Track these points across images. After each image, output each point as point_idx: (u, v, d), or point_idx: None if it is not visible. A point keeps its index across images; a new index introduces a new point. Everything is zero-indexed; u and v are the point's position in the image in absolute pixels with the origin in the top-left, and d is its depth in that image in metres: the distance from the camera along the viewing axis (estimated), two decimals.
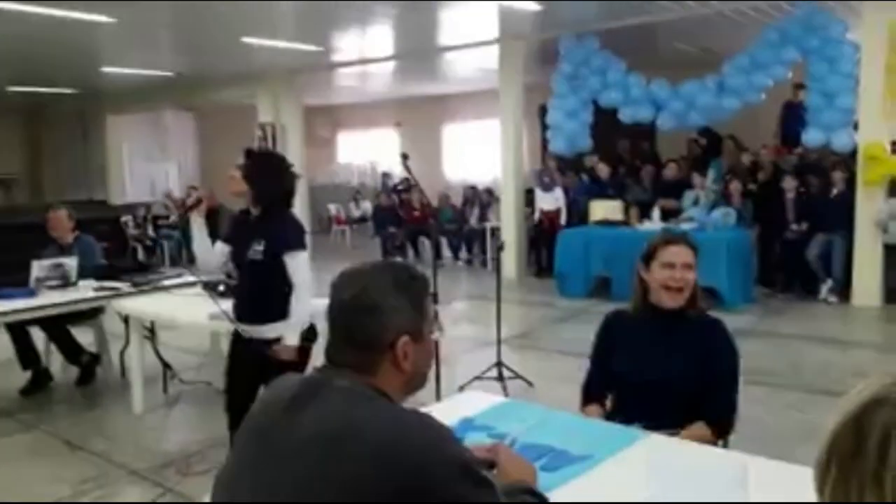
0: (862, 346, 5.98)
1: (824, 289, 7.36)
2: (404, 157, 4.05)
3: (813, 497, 0.80)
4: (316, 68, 11.34)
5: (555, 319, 6.74)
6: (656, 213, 7.87)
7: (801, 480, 0.86)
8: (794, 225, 7.65)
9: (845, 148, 7.23)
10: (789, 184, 7.71)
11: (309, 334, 3.13)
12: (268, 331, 3.09)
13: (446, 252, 10.81)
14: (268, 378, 2.23)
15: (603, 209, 8.11)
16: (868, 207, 7.04)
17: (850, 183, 7.21)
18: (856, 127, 7.18)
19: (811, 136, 7.37)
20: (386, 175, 14.60)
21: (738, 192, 7.84)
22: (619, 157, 9.81)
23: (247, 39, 8.92)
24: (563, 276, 7.84)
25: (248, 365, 3.09)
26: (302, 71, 11.38)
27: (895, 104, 6.88)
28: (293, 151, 11.31)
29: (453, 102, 15.00)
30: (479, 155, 13.85)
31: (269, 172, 3.09)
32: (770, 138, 9.00)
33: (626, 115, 8.44)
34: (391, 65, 11.66)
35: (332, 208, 14.21)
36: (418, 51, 10.59)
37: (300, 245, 3.06)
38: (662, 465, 1.65)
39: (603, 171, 9.13)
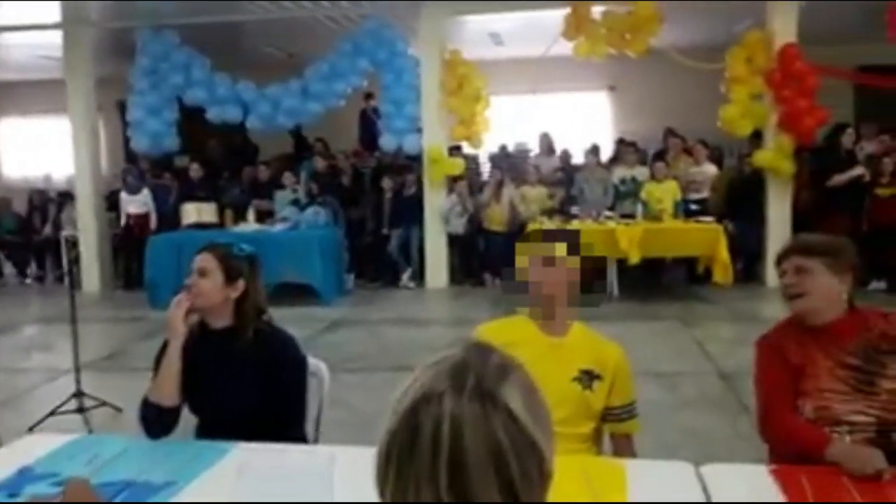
0: (436, 323, 6.87)
1: (405, 276, 8.26)
2: None
3: None
4: None
5: (146, 334, 6.19)
6: (251, 214, 7.88)
7: None
8: (387, 222, 8.32)
9: (414, 151, 8.18)
10: (387, 184, 8.38)
11: None
12: None
13: (8, 269, 9.11)
14: None
15: (196, 212, 7.82)
16: (434, 203, 8.11)
17: (420, 182, 8.19)
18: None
19: (386, 141, 8.16)
20: None
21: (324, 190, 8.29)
22: (211, 158, 9.51)
23: None
24: (154, 285, 7.25)
25: None
26: None
27: (451, 115, 8.04)
28: None
29: (10, 92, 12.71)
30: (49, 153, 12.00)
31: None
32: (356, 142, 9.73)
33: (213, 115, 8.22)
34: None
35: None
36: None
37: None
38: (251, 474, 1.61)
39: (196, 172, 8.73)
